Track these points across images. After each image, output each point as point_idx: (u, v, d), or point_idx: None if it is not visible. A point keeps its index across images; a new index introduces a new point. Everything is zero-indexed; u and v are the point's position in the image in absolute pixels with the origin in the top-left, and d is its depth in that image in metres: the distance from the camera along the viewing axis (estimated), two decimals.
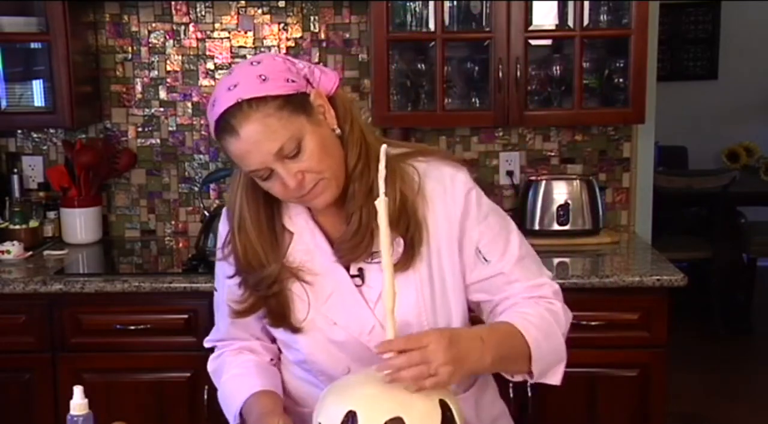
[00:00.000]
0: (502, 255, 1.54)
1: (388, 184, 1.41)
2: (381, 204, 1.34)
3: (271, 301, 1.52)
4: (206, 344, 1.72)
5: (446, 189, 1.52)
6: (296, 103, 1.40)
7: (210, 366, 1.71)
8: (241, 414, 1.58)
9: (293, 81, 1.41)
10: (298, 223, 1.54)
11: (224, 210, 1.60)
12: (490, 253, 1.54)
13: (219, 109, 1.41)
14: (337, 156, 1.46)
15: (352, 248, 1.49)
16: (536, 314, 1.50)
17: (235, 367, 1.64)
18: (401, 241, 1.48)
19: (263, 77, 1.40)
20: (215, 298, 1.66)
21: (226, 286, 1.58)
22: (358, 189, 1.47)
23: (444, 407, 1.30)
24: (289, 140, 1.39)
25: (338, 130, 1.47)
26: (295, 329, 1.54)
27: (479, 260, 1.54)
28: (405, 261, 1.49)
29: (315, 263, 1.52)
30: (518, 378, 1.52)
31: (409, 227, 1.48)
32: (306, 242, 1.53)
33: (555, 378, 1.53)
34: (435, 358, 1.30)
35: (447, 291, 1.54)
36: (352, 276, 1.52)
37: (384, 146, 1.38)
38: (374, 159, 1.45)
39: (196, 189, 3.26)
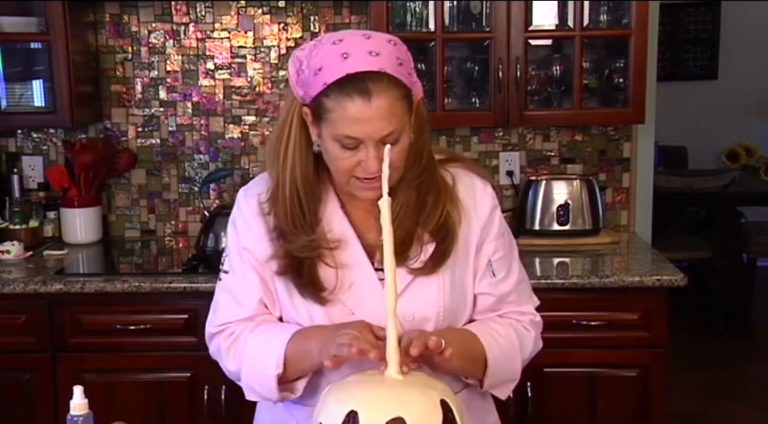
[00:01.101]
0: (507, 276, 1.63)
1: (439, 199, 1.52)
2: (384, 204, 1.36)
3: (305, 264, 1.52)
4: (212, 330, 1.62)
5: (476, 201, 1.59)
6: (410, 99, 1.44)
7: (223, 343, 1.59)
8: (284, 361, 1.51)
9: (410, 76, 1.44)
10: (328, 209, 1.55)
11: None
12: (499, 269, 1.62)
13: (357, 66, 1.38)
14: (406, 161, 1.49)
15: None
16: (505, 334, 1.60)
17: (262, 328, 1.56)
18: (432, 246, 1.53)
19: (400, 61, 1.42)
20: (225, 282, 1.61)
21: (247, 247, 1.56)
22: (405, 198, 1.51)
23: (445, 407, 1.30)
24: (397, 130, 1.42)
25: (412, 138, 1.49)
26: (321, 300, 1.53)
27: (488, 271, 1.61)
28: (433, 266, 1.54)
29: (341, 252, 1.53)
30: (469, 380, 1.59)
31: (446, 237, 1.54)
32: (334, 230, 1.54)
33: (502, 394, 1.64)
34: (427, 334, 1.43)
35: (465, 293, 1.60)
36: (377, 269, 1.53)
37: (388, 146, 1.39)
38: (431, 175, 1.53)
39: (196, 189, 3.26)
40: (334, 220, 1.55)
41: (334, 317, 1.52)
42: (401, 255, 1.50)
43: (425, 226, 1.52)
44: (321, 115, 1.42)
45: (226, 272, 1.61)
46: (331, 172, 1.51)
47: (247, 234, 1.57)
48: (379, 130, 1.40)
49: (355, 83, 1.38)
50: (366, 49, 1.39)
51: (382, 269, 1.52)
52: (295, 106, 1.49)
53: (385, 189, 1.36)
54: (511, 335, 1.61)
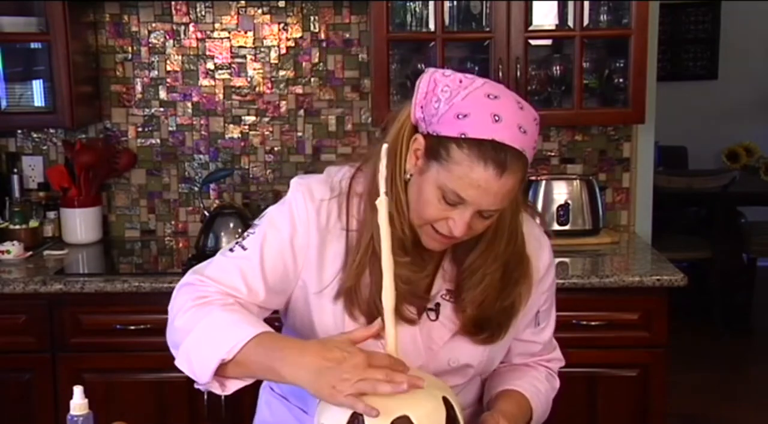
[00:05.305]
0: (547, 326, 1.64)
1: (523, 275, 1.49)
2: (382, 204, 1.32)
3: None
4: (192, 279, 1.48)
5: (537, 256, 1.55)
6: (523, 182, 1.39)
7: (191, 299, 1.44)
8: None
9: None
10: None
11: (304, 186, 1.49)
12: (543, 319, 1.62)
13: (505, 137, 1.30)
14: None
15: (411, 292, 1.44)
16: (545, 391, 1.63)
17: (236, 308, 1.42)
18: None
19: (535, 145, 1.36)
20: (238, 256, 1.47)
21: (294, 248, 1.46)
22: (492, 276, 1.45)
23: (447, 404, 1.30)
24: (504, 208, 1.38)
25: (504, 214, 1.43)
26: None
27: (534, 321, 1.60)
28: (491, 338, 1.51)
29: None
30: None
31: (515, 314, 1.51)
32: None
33: None
34: None
35: (505, 348, 1.59)
36: (429, 309, 1.48)
37: (385, 145, 1.36)
38: (521, 251, 1.49)
39: (196, 189, 3.26)
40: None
41: (364, 344, 1.37)
42: (484, 330, 1.48)
43: (503, 300, 1.47)
44: (439, 156, 1.33)
45: (244, 248, 1.47)
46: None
47: (295, 237, 1.46)
48: (491, 204, 1.34)
49: (497, 152, 1.30)
50: (517, 121, 1.31)
51: (432, 309, 1.48)
52: (407, 124, 1.40)
53: (383, 188, 1.32)
54: (548, 389, 1.64)
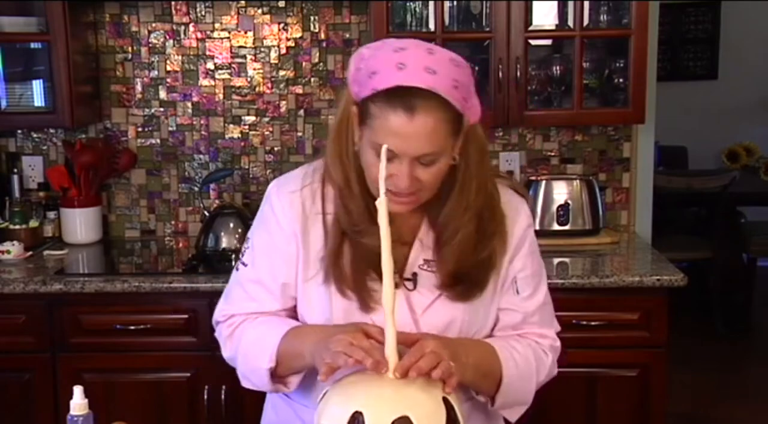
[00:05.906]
0: (531, 295, 1.60)
1: (497, 228, 1.51)
2: (381, 204, 1.34)
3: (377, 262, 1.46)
4: (218, 317, 1.62)
5: (513, 219, 1.56)
6: (457, 123, 1.41)
7: (224, 330, 1.60)
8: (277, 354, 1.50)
9: (464, 100, 1.41)
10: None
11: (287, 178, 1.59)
12: (524, 287, 1.59)
13: (409, 80, 1.34)
14: (441, 182, 1.45)
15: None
16: (523, 353, 1.57)
17: (261, 320, 1.56)
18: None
19: (456, 84, 1.38)
20: (241, 274, 1.59)
21: (278, 247, 1.54)
22: (469, 230, 1.48)
23: (447, 405, 1.31)
24: (435, 152, 1.39)
25: (456, 160, 1.45)
26: (366, 306, 1.48)
27: (512, 288, 1.59)
28: (469, 295, 1.52)
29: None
30: (480, 397, 1.55)
31: (490, 268, 1.52)
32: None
33: (512, 416, 1.61)
34: (441, 353, 1.36)
35: (488, 312, 1.58)
36: (405, 279, 1.50)
37: (385, 146, 1.37)
38: (495, 203, 1.51)
39: (196, 189, 3.26)
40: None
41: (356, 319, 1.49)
42: (461, 284, 1.50)
43: (480, 252, 1.50)
44: (365, 118, 1.40)
45: (244, 265, 1.59)
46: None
47: (279, 235, 1.54)
48: (417, 149, 1.36)
49: (403, 96, 1.34)
50: (424, 64, 1.35)
51: (410, 280, 1.51)
52: (350, 101, 1.46)
53: (382, 189, 1.34)
54: (530, 356, 1.57)
